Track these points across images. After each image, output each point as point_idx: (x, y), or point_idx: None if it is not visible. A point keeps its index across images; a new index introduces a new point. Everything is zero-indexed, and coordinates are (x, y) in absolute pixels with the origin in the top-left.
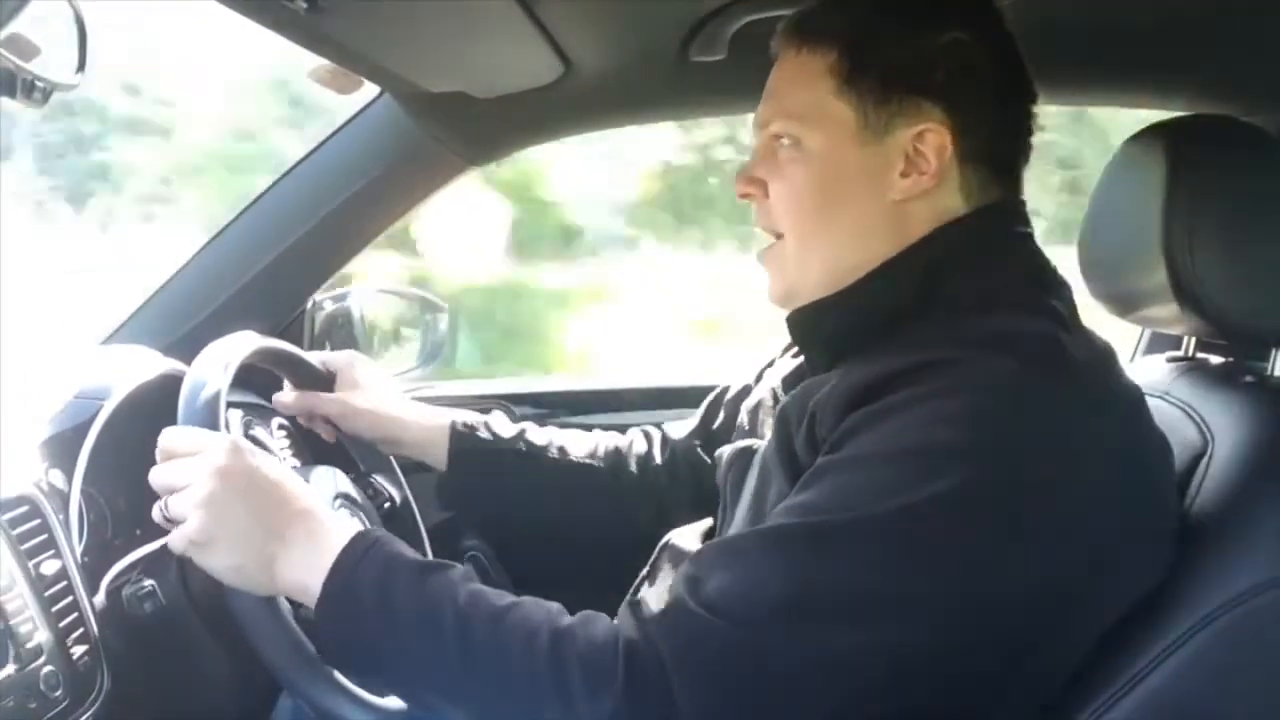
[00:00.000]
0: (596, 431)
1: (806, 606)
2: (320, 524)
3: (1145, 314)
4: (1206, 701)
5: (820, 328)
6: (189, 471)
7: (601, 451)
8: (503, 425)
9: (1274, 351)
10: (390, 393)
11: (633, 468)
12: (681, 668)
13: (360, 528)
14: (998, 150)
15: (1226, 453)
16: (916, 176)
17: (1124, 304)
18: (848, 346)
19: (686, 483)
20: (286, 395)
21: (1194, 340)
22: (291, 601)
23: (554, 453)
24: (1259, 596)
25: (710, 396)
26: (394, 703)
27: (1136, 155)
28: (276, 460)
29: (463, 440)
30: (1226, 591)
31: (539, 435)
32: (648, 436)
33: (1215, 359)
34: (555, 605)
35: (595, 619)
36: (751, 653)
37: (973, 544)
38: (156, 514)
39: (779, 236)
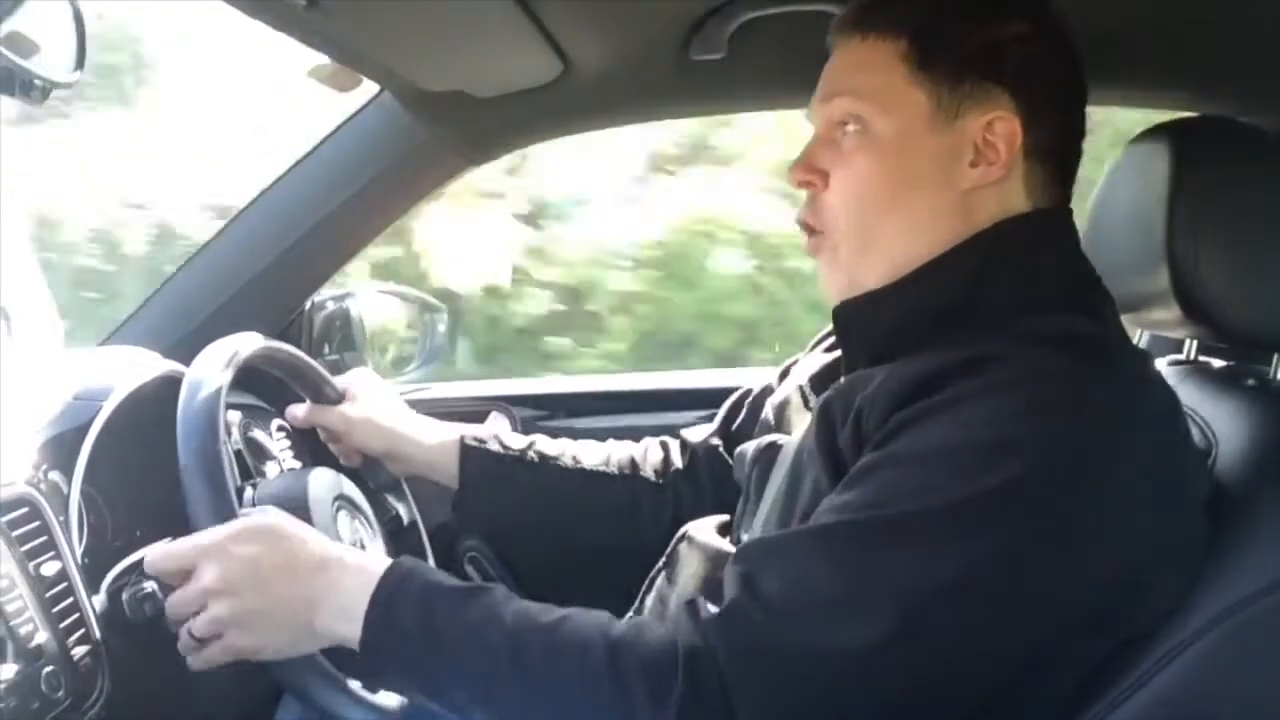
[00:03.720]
0: (610, 441)
1: (854, 602)
2: (341, 568)
3: (1147, 317)
4: (1211, 704)
5: (867, 325)
6: (195, 597)
7: (615, 460)
8: (513, 437)
9: (1276, 355)
10: (397, 408)
11: (649, 475)
12: (737, 670)
13: (380, 556)
14: (1061, 147)
15: (1230, 456)
16: (986, 167)
17: (1125, 307)
18: (892, 345)
19: (706, 486)
20: (298, 409)
21: (1195, 344)
22: None
23: (567, 462)
24: (1264, 599)
25: (732, 399)
26: (393, 700)
27: (1139, 158)
28: (268, 517)
29: (473, 455)
30: (1232, 595)
31: (551, 446)
32: (664, 445)
33: (1217, 362)
34: (604, 615)
35: (647, 626)
36: (803, 651)
37: (1022, 539)
38: (185, 638)
39: (816, 232)
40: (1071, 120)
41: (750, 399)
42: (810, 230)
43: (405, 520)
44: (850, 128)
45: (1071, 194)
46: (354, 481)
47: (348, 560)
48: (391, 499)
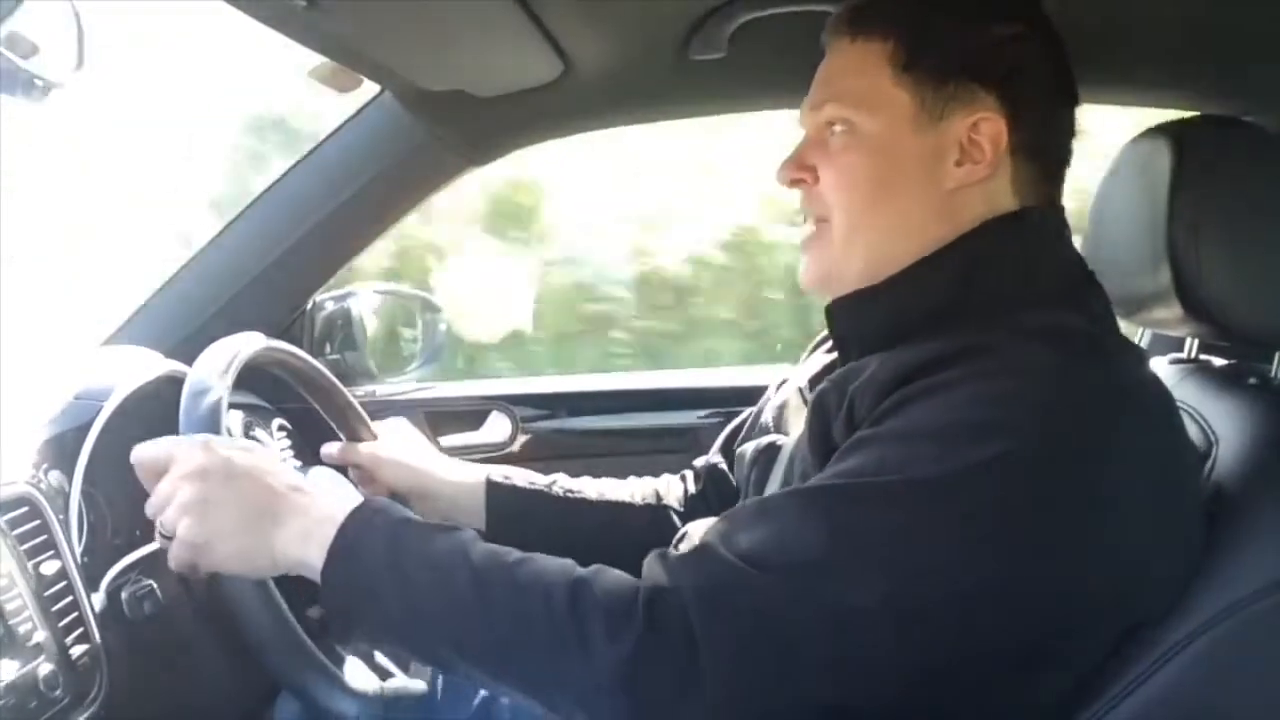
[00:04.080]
0: (631, 478)
1: (834, 561)
2: (309, 496)
3: (1148, 315)
4: (1211, 703)
5: (862, 320)
6: (169, 486)
7: (640, 494)
8: (537, 476)
9: (1277, 353)
10: (425, 449)
11: (673, 504)
12: (704, 609)
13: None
14: (1048, 146)
15: (1231, 455)
16: (971, 166)
17: (1127, 305)
18: (886, 338)
19: (714, 503)
20: (332, 447)
21: (1196, 342)
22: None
23: (592, 496)
24: (1265, 599)
25: (730, 426)
26: (372, 687)
27: (1140, 156)
28: (254, 444)
29: (499, 492)
30: (1232, 594)
31: (574, 482)
32: (683, 478)
33: (1218, 361)
34: (568, 560)
35: (610, 570)
36: (775, 600)
37: (1004, 519)
38: (159, 539)
39: (822, 220)
40: (1060, 120)
41: (750, 418)
42: (819, 219)
43: None
44: (838, 128)
45: (1061, 192)
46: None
47: (320, 495)
48: None
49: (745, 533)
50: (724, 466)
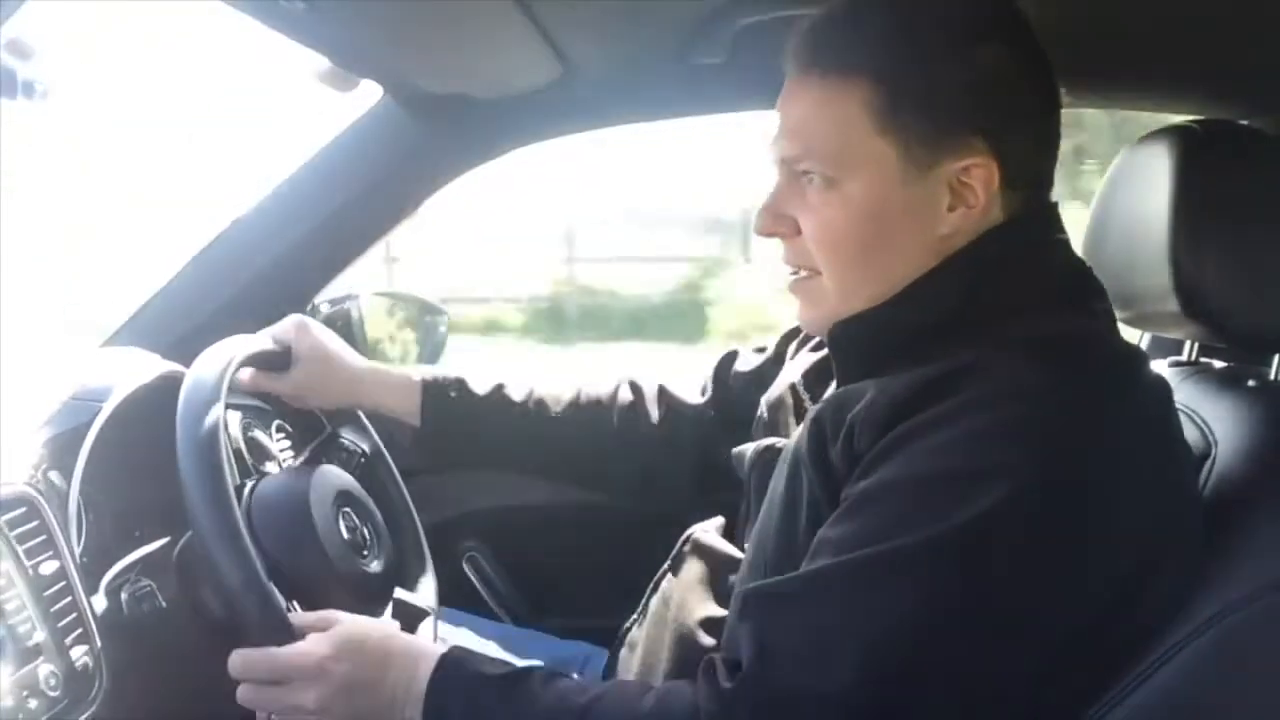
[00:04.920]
0: (581, 383)
1: (864, 644)
2: (402, 682)
3: (1148, 318)
4: (1210, 703)
5: (860, 343)
6: (291, 712)
7: (582, 401)
8: (478, 380)
9: (1276, 356)
10: (347, 362)
11: (614, 421)
12: None
13: (434, 653)
14: (1037, 167)
15: (1230, 457)
16: (964, 210)
17: (1127, 307)
18: (885, 360)
19: (687, 451)
20: (242, 374)
21: (1196, 345)
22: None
23: (531, 405)
24: (1263, 599)
25: (716, 362)
26: None
27: (1143, 159)
28: (345, 626)
29: (434, 392)
30: (1231, 594)
31: (516, 389)
32: (635, 388)
33: (1218, 363)
34: (633, 687)
35: (672, 694)
36: (820, 699)
37: (1010, 560)
38: None
39: (813, 274)
40: (1047, 137)
41: (737, 369)
42: (809, 272)
43: (369, 450)
44: (814, 178)
45: (1049, 192)
46: (311, 420)
47: (410, 677)
48: (352, 434)
49: (774, 637)
50: (715, 424)
